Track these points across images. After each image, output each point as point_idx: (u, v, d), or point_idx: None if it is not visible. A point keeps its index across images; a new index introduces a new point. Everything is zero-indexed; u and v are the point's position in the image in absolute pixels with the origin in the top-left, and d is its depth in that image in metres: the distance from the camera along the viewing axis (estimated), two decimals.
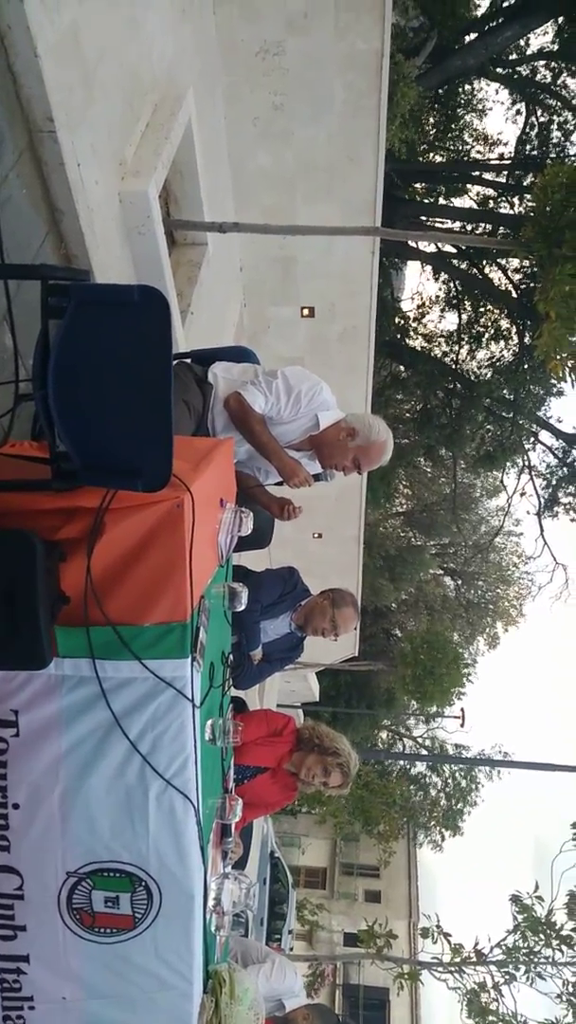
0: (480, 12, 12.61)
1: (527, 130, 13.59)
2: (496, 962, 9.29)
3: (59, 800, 1.68)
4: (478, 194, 14.72)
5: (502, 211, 13.77)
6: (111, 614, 1.64)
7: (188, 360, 2.97)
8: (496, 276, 14.16)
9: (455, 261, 14.25)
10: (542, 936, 9.15)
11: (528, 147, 13.64)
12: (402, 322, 16.24)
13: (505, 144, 14.43)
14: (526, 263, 11.51)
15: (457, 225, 13.97)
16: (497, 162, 14.53)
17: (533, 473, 16.06)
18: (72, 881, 1.72)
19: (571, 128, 13.08)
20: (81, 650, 1.65)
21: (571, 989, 8.98)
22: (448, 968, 9.51)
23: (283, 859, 12.38)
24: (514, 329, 14.01)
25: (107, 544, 1.63)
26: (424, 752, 23.88)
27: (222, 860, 2.21)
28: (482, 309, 14.78)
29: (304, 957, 15.39)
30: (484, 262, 13.88)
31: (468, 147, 14.59)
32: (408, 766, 22.79)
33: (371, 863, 24.68)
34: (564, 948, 9.01)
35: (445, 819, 21.23)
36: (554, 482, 15.85)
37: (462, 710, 19.17)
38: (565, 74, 12.79)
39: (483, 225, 13.67)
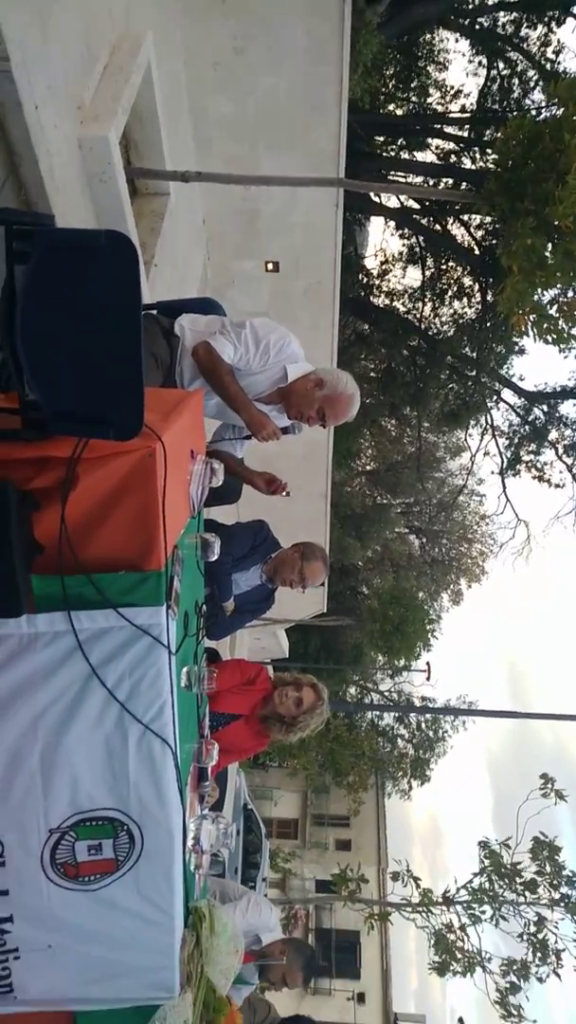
0: None
1: (488, 84, 13.40)
2: (462, 902, 9.71)
3: (40, 758, 1.68)
4: (439, 148, 14.53)
5: (464, 166, 13.64)
6: (85, 563, 1.64)
7: (154, 312, 2.93)
8: (459, 232, 14.08)
9: (418, 217, 14.12)
10: (506, 881, 9.59)
11: (489, 100, 13.47)
12: (366, 279, 16.10)
13: (467, 96, 14.24)
14: (488, 220, 11.46)
15: (419, 180, 13.80)
16: (458, 115, 14.33)
17: (496, 432, 16.22)
18: (55, 837, 1.73)
19: (532, 82, 12.93)
20: (56, 600, 1.65)
21: (532, 929, 9.43)
22: (416, 909, 9.90)
23: (256, 811, 12.64)
24: (476, 286, 14.00)
25: (80, 493, 1.62)
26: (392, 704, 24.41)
27: (199, 803, 2.27)
28: (445, 266, 14.72)
29: (278, 901, 15.81)
30: (447, 218, 13.78)
31: (430, 99, 14.35)
32: (376, 718, 23.29)
33: (341, 813, 25.37)
34: (527, 893, 9.44)
35: (413, 768, 21.83)
36: (516, 440, 16.03)
37: (428, 664, 19.58)
38: (525, 25, 12.59)
39: (445, 180, 13.52)
